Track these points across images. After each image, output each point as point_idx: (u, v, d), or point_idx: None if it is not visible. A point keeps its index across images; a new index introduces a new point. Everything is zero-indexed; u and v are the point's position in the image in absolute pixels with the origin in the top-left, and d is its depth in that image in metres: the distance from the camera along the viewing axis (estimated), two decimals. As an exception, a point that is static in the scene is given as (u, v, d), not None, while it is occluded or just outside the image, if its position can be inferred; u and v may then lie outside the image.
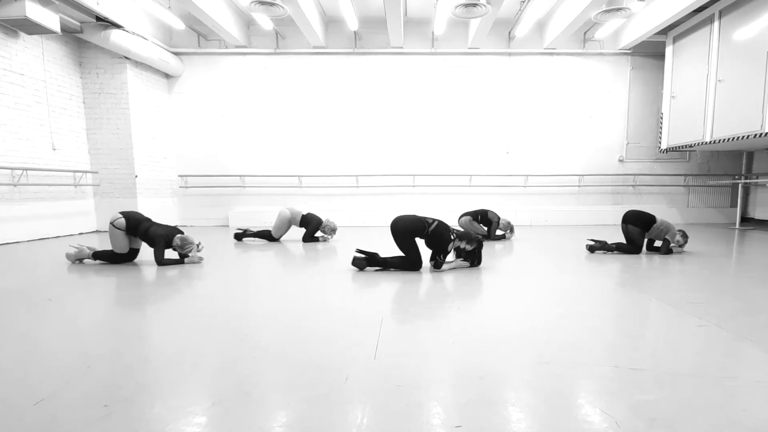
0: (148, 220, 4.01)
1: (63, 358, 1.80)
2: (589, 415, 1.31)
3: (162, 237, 3.86)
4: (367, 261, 3.63)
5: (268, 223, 7.21)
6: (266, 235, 5.78)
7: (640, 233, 4.42)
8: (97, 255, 3.99)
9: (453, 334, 2.06)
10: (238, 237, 5.84)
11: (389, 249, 4.32)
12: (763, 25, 5.55)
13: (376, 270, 3.68)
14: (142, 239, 3.94)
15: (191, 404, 1.40)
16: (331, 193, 8.30)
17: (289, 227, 5.84)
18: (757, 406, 1.36)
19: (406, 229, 3.56)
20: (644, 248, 4.63)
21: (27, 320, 2.35)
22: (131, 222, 3.90)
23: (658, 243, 4.63)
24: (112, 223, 3.89)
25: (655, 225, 4.40)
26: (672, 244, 4.44)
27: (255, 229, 5.99)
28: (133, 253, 4.12)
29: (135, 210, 6.35)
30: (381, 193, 8.32)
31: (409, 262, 3.60)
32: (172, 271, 3.71)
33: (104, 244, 5.18)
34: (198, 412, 1.35)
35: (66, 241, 5.89)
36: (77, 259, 4.07)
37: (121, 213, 3.96)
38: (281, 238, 5.90)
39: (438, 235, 3.55)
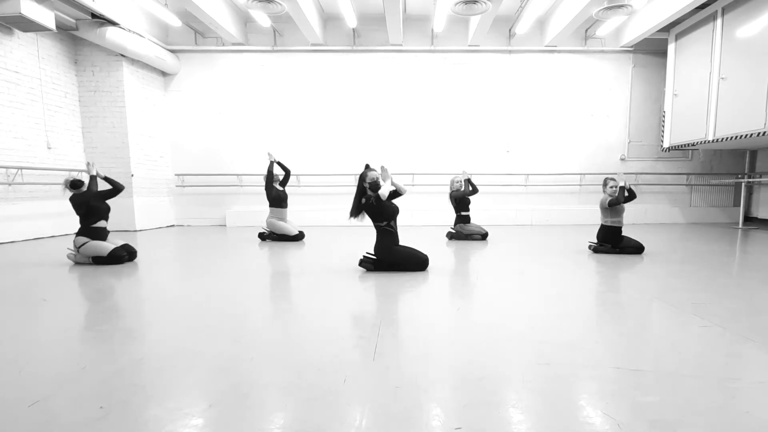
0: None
1: (58, 359, 1.78)
2: (590, 417, 1.30)
3: (80, 199, 3.99)
4: (374, 264, 3.62)
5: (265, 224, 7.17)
6: (286, 237, 5.78)
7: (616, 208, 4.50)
8: (96, 260, 3.99)
9: (452, 335, 2.05)
10: (262, 237, 5.86)
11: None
12: (766, 23, 5.52)
13: (383, 271, 3.64)
14: (98, 215, 4.05)
15: (188, 406, 1.38)
16: (330, 192, 8.26)
17: (281, 209, 5.85)
18: (760, 408, 1.35)
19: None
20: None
21: (21, 320, 2.33)
22: (83, 228, 4.02)
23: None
24: (78, 248, 4.00)
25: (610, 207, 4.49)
26: (611, 191, 4.47)
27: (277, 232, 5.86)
28: (132, 254, 4.12)
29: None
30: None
31: (412, 263, 3.60)
32: (169, 272, 3.70)
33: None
34: (195, 413, 1.33)
35: (62, 241, 5.86)
36: (77, 262, 4.07)
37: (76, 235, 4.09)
38: (298, 233, 5.84)
39: (370, 206, 3.56)
